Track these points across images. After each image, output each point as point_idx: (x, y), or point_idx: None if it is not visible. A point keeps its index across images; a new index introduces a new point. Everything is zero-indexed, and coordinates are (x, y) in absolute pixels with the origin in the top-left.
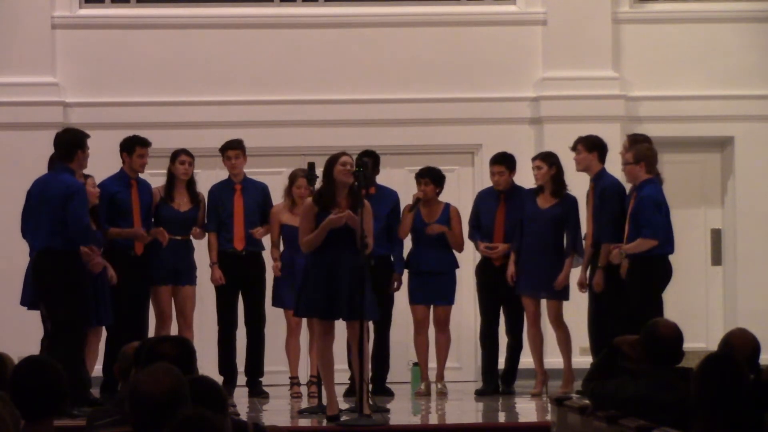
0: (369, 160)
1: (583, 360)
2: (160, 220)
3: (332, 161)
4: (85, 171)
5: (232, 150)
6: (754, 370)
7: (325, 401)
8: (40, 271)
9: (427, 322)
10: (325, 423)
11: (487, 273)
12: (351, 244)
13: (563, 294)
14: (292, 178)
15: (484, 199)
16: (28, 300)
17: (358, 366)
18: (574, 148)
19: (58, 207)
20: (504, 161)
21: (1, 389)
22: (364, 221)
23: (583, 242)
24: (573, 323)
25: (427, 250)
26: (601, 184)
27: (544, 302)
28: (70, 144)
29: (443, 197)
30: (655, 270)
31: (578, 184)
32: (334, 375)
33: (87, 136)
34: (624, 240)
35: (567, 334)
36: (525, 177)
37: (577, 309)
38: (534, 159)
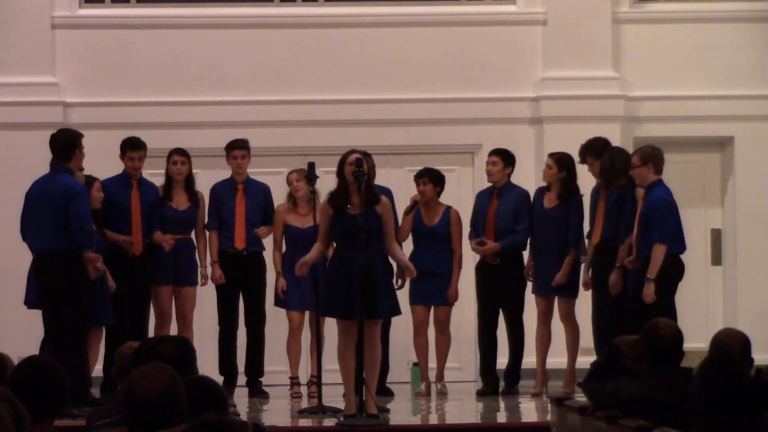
0: (369, 160)
1: (583, 360)
2: (160, 219)
3: (342, 160)
4: (89, 173)
5: (239, 149)
6: (749, 365)
7: (325, 401)
8: (42, 272)
9: (427, 322)
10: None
11: (485, 273)
12: (368, 244)
13: (571, 292)
14: (287, 177)
15: (480, 197)
16: (32, 299)
17: (367, 364)
18: (583, 160)
19: (60, 208)
20: (499, 153)
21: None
22: (383, 217)
23: (586, 241)
24: (578, 322)
25: (427, 251)
26: (616, 185)
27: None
28: (68, 144)
29: (443, 197)
30: (667, 269)
31: (591, 184)
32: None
33: (81, 135)
34: (633, 239)
35: (576, 333)
36: (525, 176)
37: (581, 308)
38: (549, 156)
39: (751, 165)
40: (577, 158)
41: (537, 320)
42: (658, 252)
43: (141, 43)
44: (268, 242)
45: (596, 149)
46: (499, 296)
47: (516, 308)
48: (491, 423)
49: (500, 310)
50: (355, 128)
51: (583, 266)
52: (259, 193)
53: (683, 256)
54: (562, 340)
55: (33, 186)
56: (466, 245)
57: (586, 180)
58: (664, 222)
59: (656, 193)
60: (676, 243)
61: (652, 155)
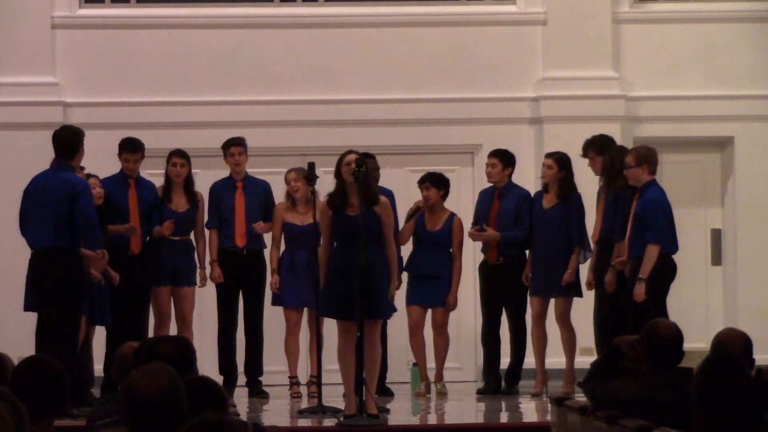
0: (370, 161)
1: (583, 360)
2: (159, 220)
3: (339, 161)
4: (88, 171)
5: (236, 146)
6: (750, 366)
7: (325, 401)
8: (40, 269)
9: (423, 323)
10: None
11: (488, 272)
12: (367, 244)
13: (575, 291)
14: (285, 177)
15: (482, 197)
16: (31, 304)
17: (367, 364)
18: (585, 155)
19: (65, 206)
20: (497, 155)
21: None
22: (382, 218)
23: (590, 241)
24: (577, 323)
25: (426, 253)
26: (615, 185)
27: (550, 303)
28: (72, 141)
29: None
30: (659, 269)
31: (589, 182)
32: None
33: (84, 132)
34: (626, 240)
35: (572, 335)
36: (525, 176)
37: (580, 309)
38: (547, 156)
39: (751, 165)
40: (579, 152)
41: (531, 321)
42: (652, 252)
43: (141, 43)
44: (268, 241)
45: (599, 145)
46: (502, 296)
47: (518, 308)
48: (491, 423)
49: (503, 310)
50: (355, 128)
51: (588, 265)
52: (259, 189)
53: (679, 257)
54: (560, 341)
55: (33, 182)
56: (466, 253)
57: (586, 178)
58: (658, 222)
59: (650, 193)
60: (670, 243)
61: (647, 156)
